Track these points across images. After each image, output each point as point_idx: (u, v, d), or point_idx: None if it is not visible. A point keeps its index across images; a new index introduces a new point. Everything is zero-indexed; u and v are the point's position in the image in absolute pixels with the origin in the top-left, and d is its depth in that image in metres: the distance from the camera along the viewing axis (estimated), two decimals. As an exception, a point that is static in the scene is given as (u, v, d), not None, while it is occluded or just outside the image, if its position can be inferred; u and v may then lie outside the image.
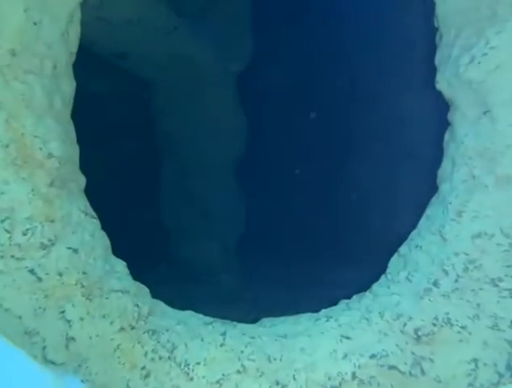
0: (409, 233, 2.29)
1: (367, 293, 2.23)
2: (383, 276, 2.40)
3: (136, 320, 1.92)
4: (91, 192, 2.23)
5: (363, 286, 2.34)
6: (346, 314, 2.10)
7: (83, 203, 2.05)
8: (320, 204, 7.38)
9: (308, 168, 7.71)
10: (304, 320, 2.13)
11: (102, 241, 2.09)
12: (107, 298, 1.90)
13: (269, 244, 7.21)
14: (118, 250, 2.23)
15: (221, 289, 5.14)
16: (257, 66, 6.08)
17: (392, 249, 2.37)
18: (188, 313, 2.23)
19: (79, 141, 2.15)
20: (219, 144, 5.58)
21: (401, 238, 2.33)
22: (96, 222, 2.10)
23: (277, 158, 7.68)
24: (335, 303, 2.30)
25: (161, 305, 2.18)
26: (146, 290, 2.21)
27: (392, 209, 6.00)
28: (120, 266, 2.13)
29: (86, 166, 2.21)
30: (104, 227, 2.15)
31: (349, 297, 2.31)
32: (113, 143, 6.73)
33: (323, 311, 2.22)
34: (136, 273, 2.14)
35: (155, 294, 2.24)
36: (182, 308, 2.26)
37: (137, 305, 1.97)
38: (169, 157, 5.71)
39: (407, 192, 5.68)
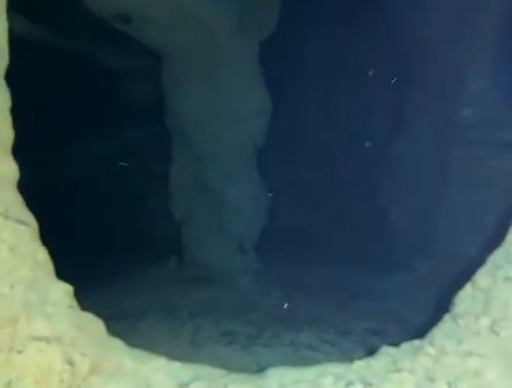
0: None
1: (423, 344, 1.45)
2: (447, 317, 1.61)
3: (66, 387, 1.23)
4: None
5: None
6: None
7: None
8: (354, 200, 6.47)
9: (342, 154, 6.80)
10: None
11: (32, 257, 1.40)
12: (19, 352, 1.21)
13: (293, 242, 6.44)
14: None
15: (237, 295, 4.44)
16: (283, 37, 5.22)
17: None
18: (159, 362, 1.52)
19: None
20: (237, 127, 4.82)
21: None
22: (25, 230, 1.41)
23: (305, 143, 6.80)
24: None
25: (117, 353, 1.47)
26: (100, 327, 1.51)
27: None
28: (59, 293, 1.44)
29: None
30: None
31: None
32: (120, 125, 6.18)
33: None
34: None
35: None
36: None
37: (71, 362, 1.27)
38: (181, 141, 5.01)
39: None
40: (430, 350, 1.49)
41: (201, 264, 5.05)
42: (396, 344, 1.63)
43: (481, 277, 1.60)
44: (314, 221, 7.60)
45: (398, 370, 1.43)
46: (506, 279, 1.51)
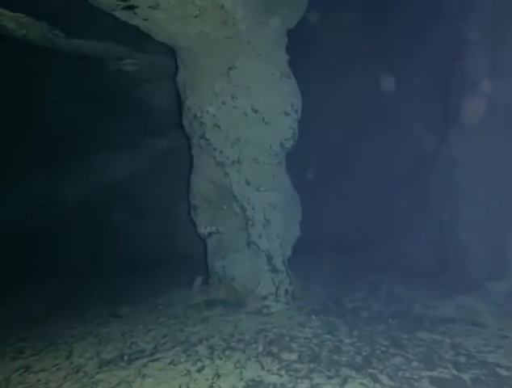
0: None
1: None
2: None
3: None
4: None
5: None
6: None
7: None
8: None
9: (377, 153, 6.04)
10: None
11: None
12: None
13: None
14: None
15: (267, 324, 3.79)
16: (313, 23, 4.58)
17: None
18: None
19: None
20: (263, 128, 4.21)
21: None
22: None
23: (338, 139, 6.07)
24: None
25: None
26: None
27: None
28: None
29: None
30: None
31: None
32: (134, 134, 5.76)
33: None
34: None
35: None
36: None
37: None
38: (201, 146, 4.46)
39: None
40: None
41: (228, 285, 4.44)
42: None
43: None
44: (359, 234, 6.86)
45: None
46: None
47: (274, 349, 3.03)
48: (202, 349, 3.06)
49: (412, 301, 4.17)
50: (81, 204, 6.85)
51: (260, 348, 3.04)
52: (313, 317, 3.83)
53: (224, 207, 4.76)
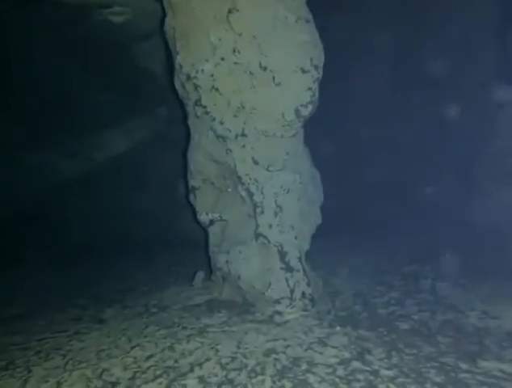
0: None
1: None
2: None
3: None
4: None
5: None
6: None
7: None
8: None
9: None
10: None
11: None
12: None
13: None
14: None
15: (279, 337, 3.05)
16: None
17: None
18: None
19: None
20: (274, 91, 3.31)
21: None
22: None
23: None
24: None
25: None
26: None
27: None
28: None
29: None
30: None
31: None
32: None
33: None
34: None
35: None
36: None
37: None
38: (198, 116, 3.61)
39: None
40: None
41: (233, 285, 3.70)
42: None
43: None
44: (385, 211, 6.00)
45: None
46: None
47: (287, 385, 2.27)
48: (191, 383, 2.34)
49: (464, 305, 3.33)
50: (72, 183, 6.18)
51: (267, 384, 2.29)
52: (337, 328, 3.05)
53: (229, 189, 3.95)
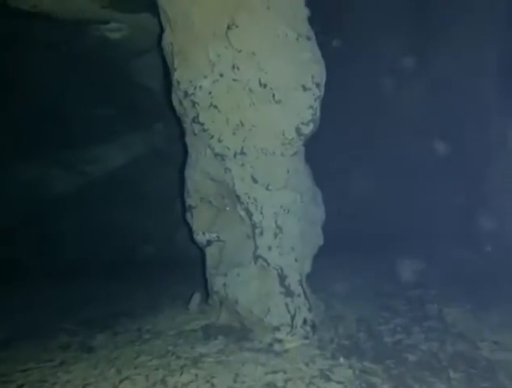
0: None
1: None
2: None
3: None
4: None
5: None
6: None
7: None
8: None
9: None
10: None
11: None
12: None
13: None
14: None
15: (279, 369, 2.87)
16: None
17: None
18: None
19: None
20: (275, 108, 3.20)
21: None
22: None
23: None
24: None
25: None
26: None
27: None
28: None
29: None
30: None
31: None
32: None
33: None
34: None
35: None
36: None
37: None
38: (196, 134, 3.50)
39: None
40: None
41: (230, 309, 3.52)
42: None
43: None
44: (386, 229, 5.86)
45: None
46: None
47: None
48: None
49: (474, 334, 3.16)
50: (66, 197, 6.04)
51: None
52: (341, 360, 2.87)
53: (227, 208, 3.81)
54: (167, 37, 3.30)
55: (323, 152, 4.61)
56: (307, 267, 3.60)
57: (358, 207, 6.08)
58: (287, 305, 3.25)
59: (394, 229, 5.93)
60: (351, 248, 5.82)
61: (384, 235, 5.89)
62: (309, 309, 3.30)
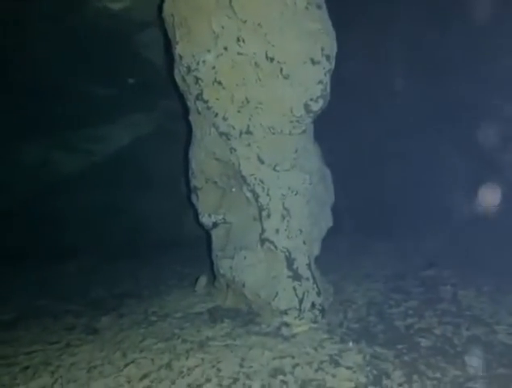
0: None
1: None
2: None
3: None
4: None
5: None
6: None
7: None
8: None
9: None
10: None
11: None
12: None
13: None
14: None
15: (286, 354, 2.81)
16: None
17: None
18: None
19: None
20: (282, 84, 3.03)
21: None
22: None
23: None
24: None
25: None
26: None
27: None
28: None
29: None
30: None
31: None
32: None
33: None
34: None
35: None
36: None
37: None
38: (199, 112, 3.35)
39: None
40: None
41: (237, 292, 3.46)
42: None
43: None
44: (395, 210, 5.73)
45: None
46: None
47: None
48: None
49: (490, 317, 3.04)
50: (71, 177, 5.98)
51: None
52: (350, 344, 2.79)
53: (233, 189, 3.69)
54: (168, 8, 3.11)
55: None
56: (316, 250, 3.49)
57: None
58: (295, 288, 3.16)
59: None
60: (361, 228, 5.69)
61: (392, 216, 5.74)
62: (318, 293, 3.21)
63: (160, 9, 3.24)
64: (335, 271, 4.23)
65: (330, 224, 3.77)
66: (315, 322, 3.10)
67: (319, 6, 2.99)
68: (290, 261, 3.22)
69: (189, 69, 3.16)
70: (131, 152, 6.23)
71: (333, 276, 4.07)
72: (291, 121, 3.19)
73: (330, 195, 3.87)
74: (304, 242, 3.30)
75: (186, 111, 3.69)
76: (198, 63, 3.09)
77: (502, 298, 3.38)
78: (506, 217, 5.05)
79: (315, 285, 3.22)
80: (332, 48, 3.08)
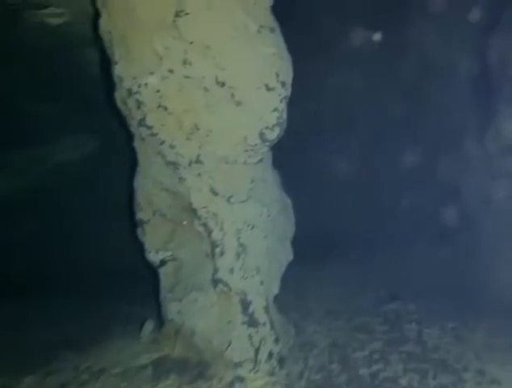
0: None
1: None
2: None
3: None
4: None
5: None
6: None
7: None
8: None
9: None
10: None
11: None
12: None
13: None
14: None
15: None
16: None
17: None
18: None
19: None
20: (235, 110, 2.76)
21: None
22: None
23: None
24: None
25: None
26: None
27: None
28: None
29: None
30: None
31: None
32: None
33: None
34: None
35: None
36: None
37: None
38: (145, 139, 3.01)
39: None
40: None
41: (186, 340, 3.07)
42: None
43: None
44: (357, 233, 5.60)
45: None
46: None
47: None
48: None
49: (457, 361, 2.86)
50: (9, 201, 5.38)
51: None
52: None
53: (184, 222, 3.35)
54: (104, 24, 2.77)
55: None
56: (275, 288, 3.20)
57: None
58: (250, 336, 2.84)
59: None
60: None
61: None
62: (276, 341, 2.91)
63: (95, 25, 2.89)
64: (296, 307, 3.96)
65: (290, 258, 3.51)
66: (272, 374, 2.78)
67: (272, 30, 2.77)
68: (245, 304, 2.90)
69: (130, 92, 2.81)
70: (74, 173, 5.73)
71: (293, 313, 3.79)
72: (246, 150, 2.91)
73: (291, 227, 3.62)
74: (262, 283, 3.00)
75: (130, 136, 3.33)
76: (139, 86, 2.76)
77: (468, 336, 3.23)
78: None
79: (272, 331, 2.92)
80: (288, 73, 2.86)
